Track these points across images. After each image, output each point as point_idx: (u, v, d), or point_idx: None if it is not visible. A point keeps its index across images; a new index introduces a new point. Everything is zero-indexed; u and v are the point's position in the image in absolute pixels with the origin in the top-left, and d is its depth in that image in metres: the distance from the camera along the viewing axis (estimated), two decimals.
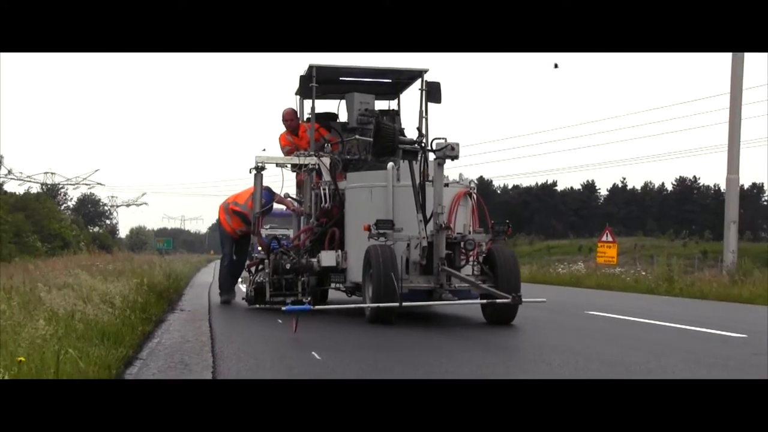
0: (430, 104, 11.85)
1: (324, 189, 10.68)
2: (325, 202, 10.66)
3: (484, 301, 8.88)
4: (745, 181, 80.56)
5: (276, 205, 12.76)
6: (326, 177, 10.83)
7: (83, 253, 26.09)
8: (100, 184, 75.24)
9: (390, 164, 9.77)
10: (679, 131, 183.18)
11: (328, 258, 10.14)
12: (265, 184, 11.50)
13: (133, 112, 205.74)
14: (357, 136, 11.13)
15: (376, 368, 5.98)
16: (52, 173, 74.83)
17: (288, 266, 10.47)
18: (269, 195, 11.98)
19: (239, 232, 12.55)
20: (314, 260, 10.32)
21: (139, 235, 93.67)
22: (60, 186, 74.35)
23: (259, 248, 12.28)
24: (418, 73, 11.84)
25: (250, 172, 11.24)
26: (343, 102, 12.12)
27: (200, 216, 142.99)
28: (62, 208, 63.31)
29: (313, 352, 6.70)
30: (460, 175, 10.48)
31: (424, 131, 11.51)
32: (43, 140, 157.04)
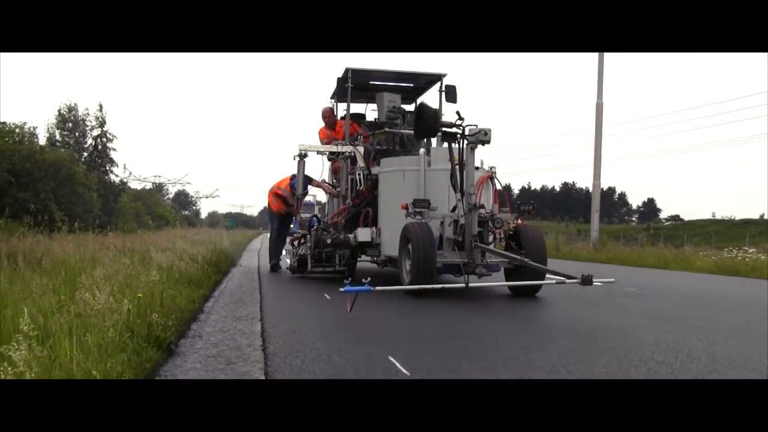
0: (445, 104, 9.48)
1: (359, 174, 8.71)
2: (360, 185, 8.67)
3: (553, 280, 6.28)
4: (605, 185, 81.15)
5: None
6: (361, 163, 8.74)
7: (178, 228, 26.17)
8: (189, 183, 74.92)
9: (422, 150, 7.95)
10: (564, 152, 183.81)
11: (364, 234, 8.18)
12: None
13: (210, 131, 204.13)
14: (386, 129, 9.18)
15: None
16: (158, 176, 74.67)
17: (329, 241, 8.47)
18: (307, 180, 9.70)
19: (282, 212, 10.38)
20: (351, 236, 8.33)
21: (213, 217, 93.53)
22: (164, 184, 74.26)
23: (293, 225, 10.39)
24: (437, 77, 9.70)
25: (294, 159, 9.22)
26: (371, 105, 10.29)
27: (253, 204, 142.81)
28: (165, 198, 62.82)
29: (325, 294, 6.67)
30: (481, 161, 8.03)
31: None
32: (153, 152, 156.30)
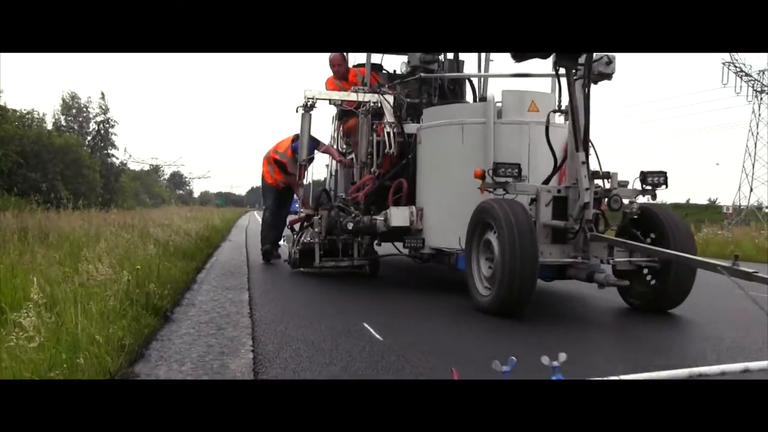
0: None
1: (388, 131, 5.48)
2: (390, 148, 5.44)
3: None
4: None
5: None
6: (389, 118, 5.57)
7: (173, 206, 25.90)
8: (183, 165, 73.63)
9: (490, 95, 5.08)
10: None
11: (399, 216, 5.07)
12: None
13: (202, 117, 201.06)
14: (421, 75, 5.97)
15: None
16: (155, 158, 73.61)
17: (350, 226, 5.40)
18: (313, 143, 6.54)
19: (282, 183, 7.14)
20: (379, 218, 5.23)
21: (205, 196, 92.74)
22: (160, 166, 73.39)
23: (299, 205, 6.81)
24: None
25: (297, 111, 5.98)
26: (387, 56, 7.00)
27: (241, 185, 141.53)
28: (161, 179, 62.01)
29: (301, 268, 6.17)
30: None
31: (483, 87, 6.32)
32: (151, 136, 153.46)
